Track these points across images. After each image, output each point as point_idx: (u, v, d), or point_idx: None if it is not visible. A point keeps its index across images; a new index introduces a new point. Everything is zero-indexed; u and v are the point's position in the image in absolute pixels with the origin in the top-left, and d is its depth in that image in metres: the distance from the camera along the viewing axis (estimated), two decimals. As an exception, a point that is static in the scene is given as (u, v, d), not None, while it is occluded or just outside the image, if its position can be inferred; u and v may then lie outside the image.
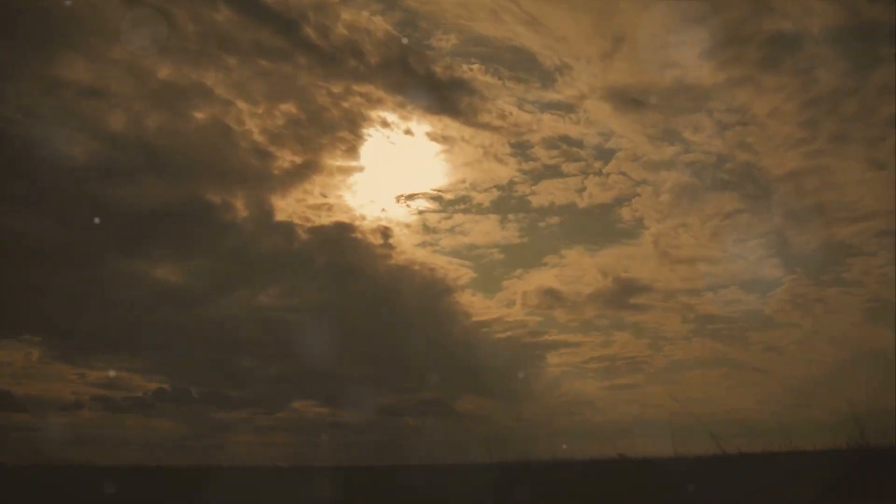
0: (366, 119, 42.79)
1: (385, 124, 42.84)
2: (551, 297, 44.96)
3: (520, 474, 15.24)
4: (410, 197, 45.35)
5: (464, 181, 47.20)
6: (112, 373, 36.13)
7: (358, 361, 39.43)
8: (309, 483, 14.78)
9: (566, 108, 45.84)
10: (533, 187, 46.48)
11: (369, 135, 42.79)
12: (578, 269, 45.53)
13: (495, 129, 45.16)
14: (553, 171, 46.69)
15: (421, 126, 44.78)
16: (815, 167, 46.63)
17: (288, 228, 41.92)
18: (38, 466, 16.07)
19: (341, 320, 40.33)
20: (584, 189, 46.28)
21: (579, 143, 46.48)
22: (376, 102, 42.90)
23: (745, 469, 13.52)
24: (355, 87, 42.10)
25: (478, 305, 44.45)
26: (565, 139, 46.00)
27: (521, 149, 46.02)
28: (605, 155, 46.74)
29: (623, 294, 45.37)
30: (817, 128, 45.69)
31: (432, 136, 45.17)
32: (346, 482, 15.06)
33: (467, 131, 45.33)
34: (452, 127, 44.95)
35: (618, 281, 45.12)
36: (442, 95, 44.15)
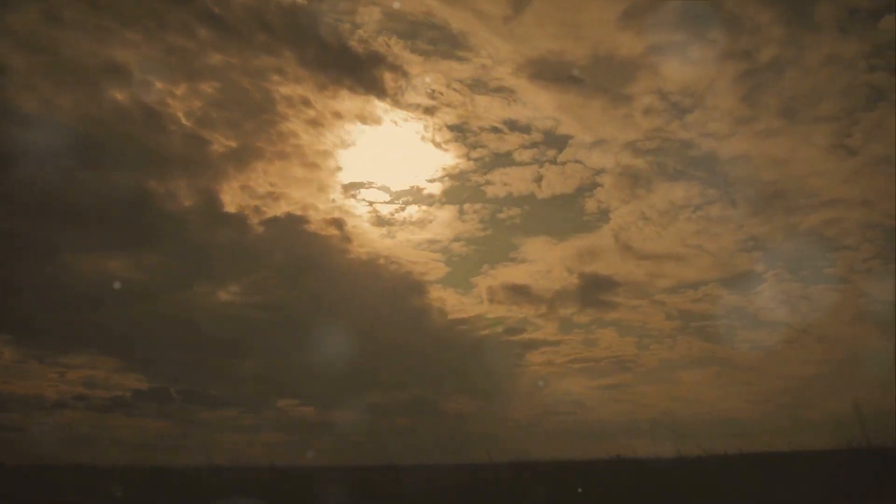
0: (289, 101, 40.74)
1: (308, 104, 40.84)
2: (520, 293, 43.90)
3: (513, 474, 15.22)
4: (356, 186, 43.48)
5: (409, 169, 45.31)
6: (89, 371, 34.96)
7: (336, 360, 38.01)
8: (298, 482, 14.73)
9: (497, 89, 43.63)
10: (486, 176, 44.98)
11: (298, 117, 40.87)
12: (546, 264, 44.31)
13: (428, 111, 43.24)
14: (506, 160, 44.79)
15: (348, 107, 42.46)
16: (765, 149, 43.88)
17: (239, 220, 40.39)
18: (35, 467, 15.96)
19: (310, 318, 39.51)
20: (541, 178, 44.83)
21: (526, 129, 44.47)
22: (295, 81, 40.88)
23: (743, 469, 13.50)
24: (270, 64, 40.10)
25: (452, 302, 43.12)
26: (510, 123, 44.17)
27: (461, 132, 44.44)
28: (558, 142, 44.81)
29: (594, 290, 44.21)
30: (759, 104, 43.09)
31: (361, 118, 42.91)
32: (335, 481, 15.02)
33: (398, 114, 43.20)
34: (381, 108, 42.87)
35: (584, 276, 43.90)
36: (364, 73, 41.75)
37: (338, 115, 41.92)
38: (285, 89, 40.46)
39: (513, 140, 43.97)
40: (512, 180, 44.85)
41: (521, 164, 44.41)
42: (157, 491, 13.88)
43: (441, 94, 42.73)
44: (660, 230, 44.89)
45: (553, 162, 44.57)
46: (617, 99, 43.51)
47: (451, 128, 44.12)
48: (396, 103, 42.52)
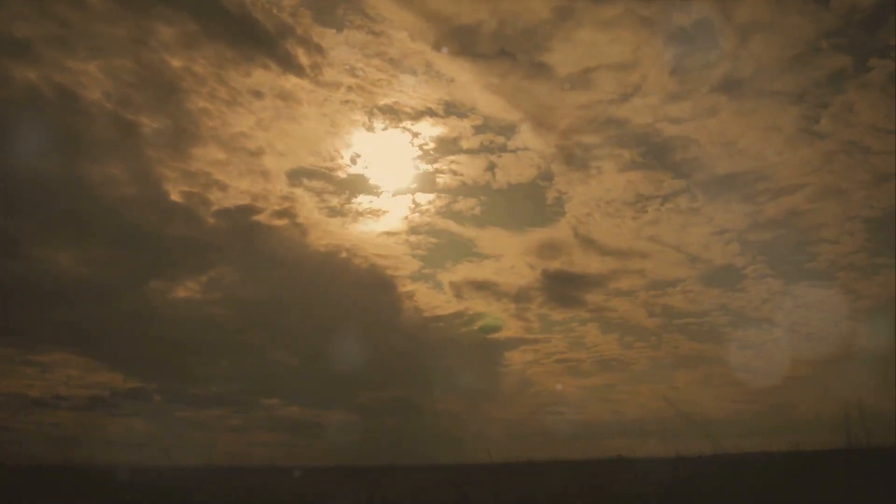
0: (199, 78, 38.60)
1: (221, 81, 38.86)
2: (483, 288, 42.78)
3: (506, 474, 15.19)
4: (299, 173, 41.86)
5: (346, 156, 42.80)
6: (65, 370, 34.80)
7: (313, 359, 37.17)
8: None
9: (424, 68, 41.39)
10: (435, 165, 43.17)
11: (216, 97, 38.73)
12: (510, 260, 43.48)
13: (352, 90, 40.73)
14: (453, 146, 43.06)
15: (268, 86, 39.86)
16: (718, 132, 42.61)
17: (187, 211, 38.37)
18: (33, 468, 15.91)
19: (277, 315, 38.18)
20: (494, 167, 43.53)
21: (464, 112, 42.64)
22: (206, 58, 38.87)
23: (741, 469, 13.47)
24: (174, 38, 37.75)
25: (423, 298, 41.56)
26: (447, 105, 42.28)
27: (394, 115, 42.13)
28: (506, 128, 43.57)
29: (564, 286, 43.66)
30: (688, 76, 42.00)
31: (283, 97, 40.31)
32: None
33: (320, 93, 41.07)
34: (302, 88, 40.42)
35: (548, 273, 43.33)
36: (276, 47, 39.05)
37: (258, 95, 39.86)
38: (199, 67, 38.83)
39: (453, 124, 42.59)
40: (463, 169, 43.40)
41: (469, 151, 43.20)
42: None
43: (362, 70, 40.68)
44: (626, 222, 44.21)
45: (503, 149, 43.61)
46: (539, 71, 42.00)
47: (382, 109, 42.21)
48: (316, 82, 40.49)
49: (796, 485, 11.02)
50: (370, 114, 42.24)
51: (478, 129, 42.55)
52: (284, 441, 34.41)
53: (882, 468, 11.02)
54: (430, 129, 42.66)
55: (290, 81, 40.40)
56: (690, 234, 42.40)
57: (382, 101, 41.98)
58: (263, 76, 40.06)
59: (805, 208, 40.70)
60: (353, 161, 42.95)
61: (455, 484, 14.19)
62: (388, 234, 42.28)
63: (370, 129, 42.68)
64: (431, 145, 42.55)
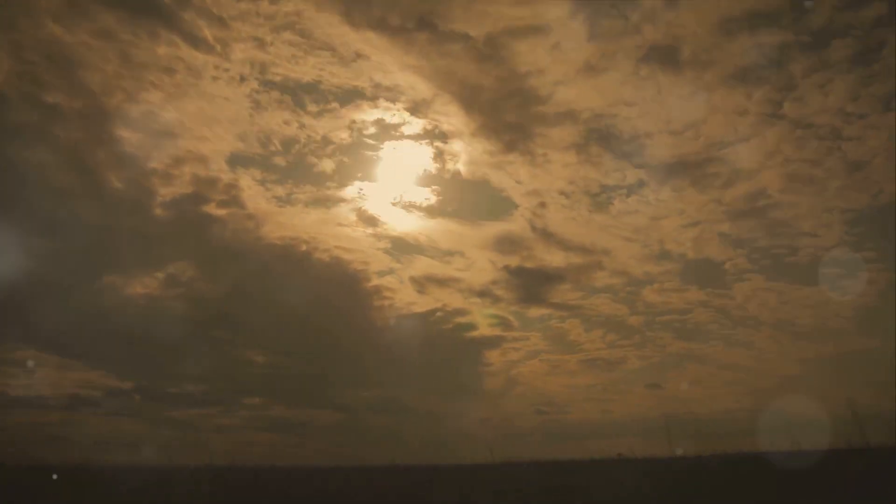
0: (93, 48, 35.28)
1: (126, 57, 35.75)
2: (451, 286, 40.37)
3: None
4: (237, 160, 39.37)
5: (280, 140, 39.72)
6: (37, 369, 32.08)
7: (285, 357, 35.87)
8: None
9: (339, 43, 37.80)
10: (378, 153, 40.34)
11: (123, 73, 35.99)
12: (471, 254, 40.58)
13: (265, 68, 38.11)
14: (394, 132, 39.91)
15: (173, 59, 36.38)
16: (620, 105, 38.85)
17: (131, 200, 35.98)
18: (31, 468, 15.76)
19: (244, 311, 36.58)
20: (440, 154, 40.53)
21: (394, 94, 39.70)
22: (105, 27, 35.39)
23: (740, 469, 13.50)
24: (68, 6, 34.69)
25: (392, 294, 39.68)
26: (376, 86, 39.38)
27: (320, 95, 39.52)
28: (433, 110, 40.11)
29: (530, 283, 40.78)
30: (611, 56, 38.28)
31: (195, 74, 37.13)
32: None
33: (235, 69, 37.83)
34: (208, 63, 37.12)
35: (511, 269, 40.41)
36: (174, 18, 35.90)
37: (169, 70, 36.45)
38: (98, 41, 35.71)
39: (387, 106, 39.66)
40: (408, 156, 40.77)
41: (413, 137, 40.03)
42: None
43: (271, 44, 38.02)
44: (584, 214, 41.65)
45: (446, 136, 40.56)
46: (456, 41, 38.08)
47: (305, 89, 39.37)
48: (225, 56, 37.81)
49: (796, 484, 11.05)
50: (292, 93, 39.74)
51: (413, 111, 39.87)
52: (272, 441, 33.56)
53: (870, 468, 11.08)
54: (363, 114, 40.08)
55: (191, 55, 37.06)
56: (662, 228, 40.63)
57: (306, 80, 39.26)
58: (170, 51, 36.69)
59: (778, 199, 38.69)
60: (288, 147, 40.42)
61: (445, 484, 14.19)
62: (342, 225, 40.27)
63: (303, 111, 40.05)
64: (371, 130, 39.98)
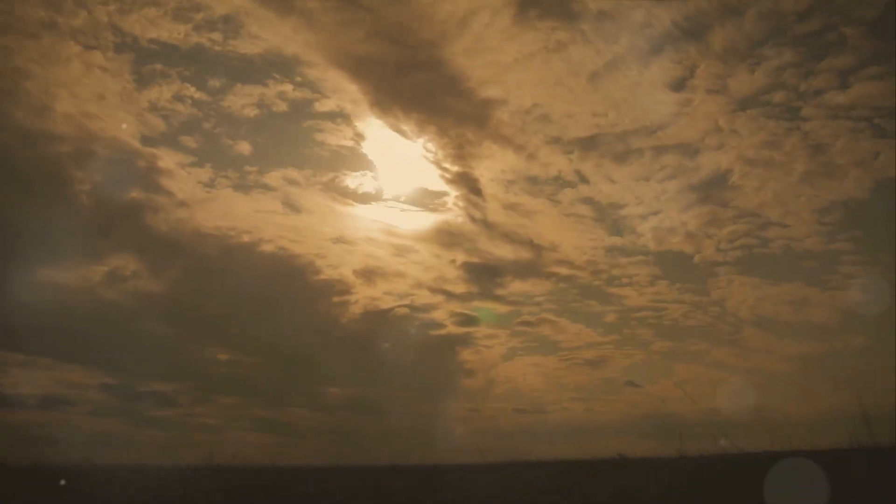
0: None
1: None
2: (399, 279, 39.45)
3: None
4: (151, 142, 36.74)
5: (183, 122, 37.72)
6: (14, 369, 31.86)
7: (250, 355, 34.92)
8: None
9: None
10: (291, 131, 38.45)
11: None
12: (414, 247, 39.67)
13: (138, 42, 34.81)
14: (307, 110, 37.14)
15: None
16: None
17: (51, 187, 34.10)
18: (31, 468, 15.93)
19: (196, 309, 35.17)
20: (360, 136, 37.90)
21: (289, 68, 37.15)
22: None
23: (740, 469, 13.27)
24: None
25: (347, 286, 38.00)
26: (273, 60, 36.99)
27: (206, 65, 35.85)
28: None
29: (481, 277, 40.33)
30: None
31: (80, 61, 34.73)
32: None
33: (105, 38, 35.14)
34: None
35: (466, 265, 39.71)
36: None
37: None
38: None
39: (286, 84, 36.73)
40: (327, 137, 38.35)
41: (329, 116, 37.39)
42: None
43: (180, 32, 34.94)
44: (533, 204, 40.38)
45: (363, 115, 38.30)
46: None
47: (194, 59, 36.06)
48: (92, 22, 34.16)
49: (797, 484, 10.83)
50: (184, 65, 36.87)
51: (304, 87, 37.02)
52: (257, 441, 33.30)
53: (860, 466, 10.81)
54: (273, 89, 37.38)
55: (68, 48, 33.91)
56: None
57: (185, 47, 36.23)
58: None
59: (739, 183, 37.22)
60: (192, 127, 37.82)
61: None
62: (276, 213, 38.26)
63: (199, 87, 37.43)
64: (284, 107, 37.72)
